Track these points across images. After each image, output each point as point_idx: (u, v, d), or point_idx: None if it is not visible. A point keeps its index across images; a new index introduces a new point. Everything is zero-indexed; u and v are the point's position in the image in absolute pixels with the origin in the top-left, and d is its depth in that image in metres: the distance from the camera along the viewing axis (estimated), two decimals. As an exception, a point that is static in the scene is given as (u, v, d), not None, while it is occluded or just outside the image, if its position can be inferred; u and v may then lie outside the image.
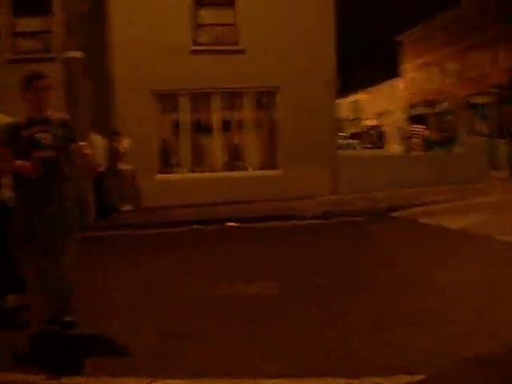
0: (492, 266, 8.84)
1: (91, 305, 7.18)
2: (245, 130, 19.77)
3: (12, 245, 6.72)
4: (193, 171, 19.38)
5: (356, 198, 17.61)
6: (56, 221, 5.82)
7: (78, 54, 14.85)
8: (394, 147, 47.88)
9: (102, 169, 15.54)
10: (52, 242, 5.83)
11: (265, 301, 7.38)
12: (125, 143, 17.22)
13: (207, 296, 7.70)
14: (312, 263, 9.69)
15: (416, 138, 41.25)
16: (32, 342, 5.88)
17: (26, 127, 5.84)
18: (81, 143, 6.09)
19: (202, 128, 19.66)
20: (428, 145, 38.93)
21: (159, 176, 18.96)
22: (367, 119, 72.31)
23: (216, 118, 19.61)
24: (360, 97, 74.82)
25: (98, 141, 15.83)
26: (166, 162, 19.50)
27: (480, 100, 43.52)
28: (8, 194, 6.75)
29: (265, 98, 19.86)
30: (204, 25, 19.36)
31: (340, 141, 33.61)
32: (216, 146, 19.67)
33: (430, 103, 52.17)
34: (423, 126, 43.72)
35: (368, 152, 46.27)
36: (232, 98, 19.70)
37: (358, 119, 75.96)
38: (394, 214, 15.02)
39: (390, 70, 62.80)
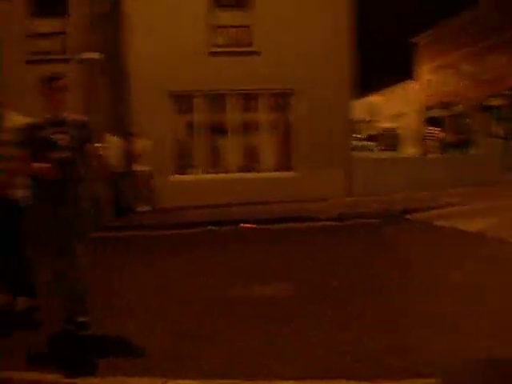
0: (506, 269, 8.80)
1: (107, 305, 7.20)
2: (260, 132, 19.78)
3: (24, 245, 6.77)
4: (208, 172, 19.42)
5: (371, 200, 17.54)
6: (71, 222, 5.84)
7: (95, 55, 14.93)
8: (410, 149, 47.73)
9: (117, 170, 15.60)
10: (67, 242, 5.83)
11: (280, 302, 7.37)
12: (141, 144, 17.26)
13: (222, 297, 7.70)
14: (327, 265, 9.66)
15: (431, 140, 41.04)
16: (48, 342, 5.92)
17: (43, 128, 5.86)
18: (95, 144, 6.11)
19: (217, 129, 19.69)
20: (443, 147, 38.73)
21: (174, 177, 19.01)
22: (383, 121, 72.04)
23: (231, 119, 19.64)
24: (375, 98, 74.57)
25: (114, 141, 15.89)
26: (182, 162, 19.52)
27: (495, 102, 43.29)
28: (21, 193, 6.79)
29: (280, 100, 19.85)
30: (221, 26, 19.39)
31: (356, 143, 33.56)
32: (231, 147, 19.70)
33: (445, 105, 51.92)
34: (439, 129, 43.50)
35: (383, 154, 46.12)
36: (247, 99, 19.73)
37: (374, 121, 75.71)
38: (409, 217, 14.94)
39: (405, 71, 62.57)
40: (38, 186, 5.90)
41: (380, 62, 68.18)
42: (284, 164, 19.73)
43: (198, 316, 6.89)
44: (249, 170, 19.61)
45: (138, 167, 17.36)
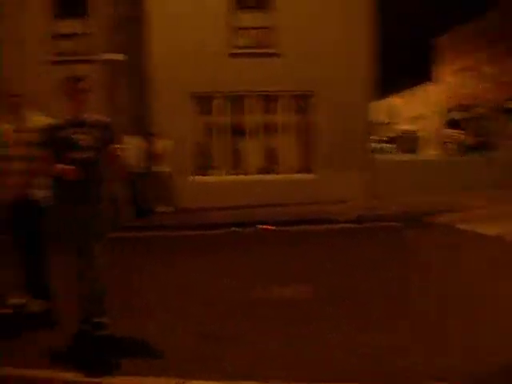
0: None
1: (127, 305, 7.26)
2: (280, 134, 19.78)
3: (44, 246, 6.83)
4: (228, 173, 19.46)
5: (391, 203, 17.47)
6: (90, 222, 5.89)
7: (118, 57, 15.01)
8: (429, 152, 47.58)
9: (137, 170, 15.69)
10: (86, 243, 5.88)
11: (299, 304, 7.41)
12: (161, 144, 17.33)
13: (244, 298, 7.75)
14: (346, 267, 9.67)
15: (451, 142, 40.92)
16: (66, 342, 5.96)
17: (65, 128, 5.94)
18: (115, 145, 6.16)
19: (237, 130, 19.70)
20: (463, 149, 38.62)
21: (195, 178, 19.04)
22: (402, 123, 71.77)
23: (251, 120, 19.66)
24: (395, 100, 74.31)
25: (134, 142, 15.96)
26: (202, 163, 19.57)
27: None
28: (42, 193, 6.85)
29: (300, 102, 19.83)
30: (242, 28, 19.43)
31: (374, 145, 33.48)
32: (251, 148, 19.71)
33: (465, 108, 51.72)
34: (459, 131, 43.37)
35: (403, 156, 45.97)
36: (267, 100, 19.72)
37: (393, 123, 75.44)
38: (429, 220, 14.84)
39: (425, 73, 62.36)
40: (59, 186, 5.96)
41: (400, 64, 67.99)
42: (303, 166, 19.72)
43: (220, 317, 6.94)
44: (268, 172, 19.62)
45: (158, 167, 17.42)
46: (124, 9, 15.99)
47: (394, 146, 61.88)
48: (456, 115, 53.09)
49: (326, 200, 17.68)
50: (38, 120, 6.87)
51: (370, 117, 20.39)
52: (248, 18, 19.44)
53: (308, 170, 19.59)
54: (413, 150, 57.68)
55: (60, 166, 5.74)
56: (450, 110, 55.04)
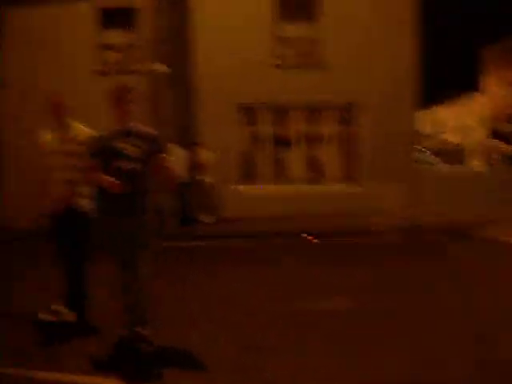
0: None
1: (170, 315, 7.28)
2: (324, 144, 19.77)
3: (85, 257, 6.89)
4: (272, 184, 19.48)
5: (436, 215, 17.30)
6: (135, 234, 5.92)
7: (163, 68, 15.15)
8: (475, 163, 47.09)
9: (182, 180, 15.78)
10: (131, 255, 5.92)
11: (341, 316, 7.38)
12: (205, 155, 17.41)
13: (285, 309, 7.73)
14: (389, 281, 9.57)
15: (496, 153, 40.46)
16: (108, 350, 6.02)
17: (113, 138, 5.98)
18: (163, 155, 6.16)
19: (281, 141, 19.74)
20: (508, 161, 38.16)
21: (239, 188, 19.10)
22: (446, 134, 71.18)
23: (296, 131, 19.68)
24: (440, 111, 73.73)
25: (179, 152, 16.07)
26: (246, 174, 19.63)
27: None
28: (89, 204, 6.92)
29: (345, 113, 19.79)
30: (286, 39, 19.48)
31: (419, 156, 33.24)
32: (295, 159, 19.73)
33: (510, 119, 51.10)
34: (504, 142, 42.86)
35: (448, 168, 45.54)
36: (312, 111, 19.72)
37: (437, 133, 74.85)
38: (473, 233, 14.66)
39: (470, 84, 61.87)
40: (104, 197, 6.00)
41: (446, 74, 67.50)
42: (347, 177, 19.66)
43: (261, 327, 6.93)
44: (312, 183, 19.59)
45: (202, 177, 17.51)
46: (169, 20, 16.14)
47: (437, 157, 61.31)
48: (501, 126, 52.46)
49: (369, 211, 17.55)
50: (81, 130, 6.96)
51: (415, 127, 20.24)
52: (293, 29, 19.49)
53: (352, 181, 19.52)
54: (457, 162, 57.15)
55: (106, 178, 5.79)
56: (495, 121, 54.41)
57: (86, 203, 6.92)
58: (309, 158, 19.88)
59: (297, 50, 19.63)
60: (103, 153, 5.98)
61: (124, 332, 6.00)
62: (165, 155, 6.12)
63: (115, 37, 19.31)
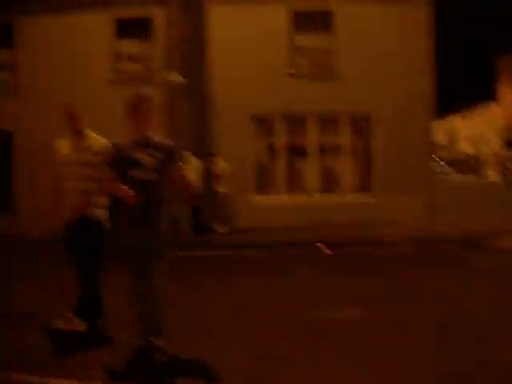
0: None
1: (184, 324, 7.30)
2: (339, 155, 19.78)
3: (99, 266, 6.93)
4: (287, 194, 19.51)
5: (451, 225, 17.22)
6: (150, 243, 5.92)
7: (179, 78, 15.23)
8: (490, 173, 46.88)
9: (197, 190, 15.83)
10: (146, 264, 5.92)
11: (355, 326, 7.39)
12: (221, 165, 17.47)
13: (299, 319, 7.75)
14: (403, 292, 9.54)
15: (511, 164, 40.28)
16: (123, 359, 6.04)
17: (129, 149, 6.00)
18: (179, 164, 6.19)
19: (297, 151, 19.79)
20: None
21: (254, 198, 19.15)
22: (461, 143, 70.89)
23: (311, 141, 19.71)
24: (455, 121, 73.46)
25: (194, 162, 16.13)
26: (262, 184, 19.67)
27: None
28: (104, 214, 6.97)
29: (360, 123, 19.81)
30: (301, 49, 19.54)
31: (434, 166, 33.11)
32: (310, 169, 19.76)
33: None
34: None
35: (464, 178, 45.34)
36: (327, 122, 19.75)
37: (452, 143, 74.54)
38: (488, 243, 14.62)
39: (486, 93, 61.59)
40: (118, 207, 6.02)
41: (460, 84, 67.27)
42: (363, 187, 19.66)
43: (275, 337, 6.94)
44: (327, 193, 19.59)
45: (217, 187, 17.56)
46: (185, 31, 16.23)
47: (451, 167, 61.05)
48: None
49: (385, 222, 17.54)
50: (97, 140, 7.01)
51: (431, 138, 20.20)
52: (308, 40, 19.57)
53: (368, 192, 19.52)
54: (472, 172, 56.89)
55: (122, 188, 5.82)
56: (509, 131, 54.14)
57: (101, 213, 6.97)
58: (324, 169, 19.90)
59: (312, 60, 19.68)
60: (120, 163, 5.99)
61: (138, 342, 6.01)
62: (181, 164, 6.14)
63: (131, 47, 19.47)
